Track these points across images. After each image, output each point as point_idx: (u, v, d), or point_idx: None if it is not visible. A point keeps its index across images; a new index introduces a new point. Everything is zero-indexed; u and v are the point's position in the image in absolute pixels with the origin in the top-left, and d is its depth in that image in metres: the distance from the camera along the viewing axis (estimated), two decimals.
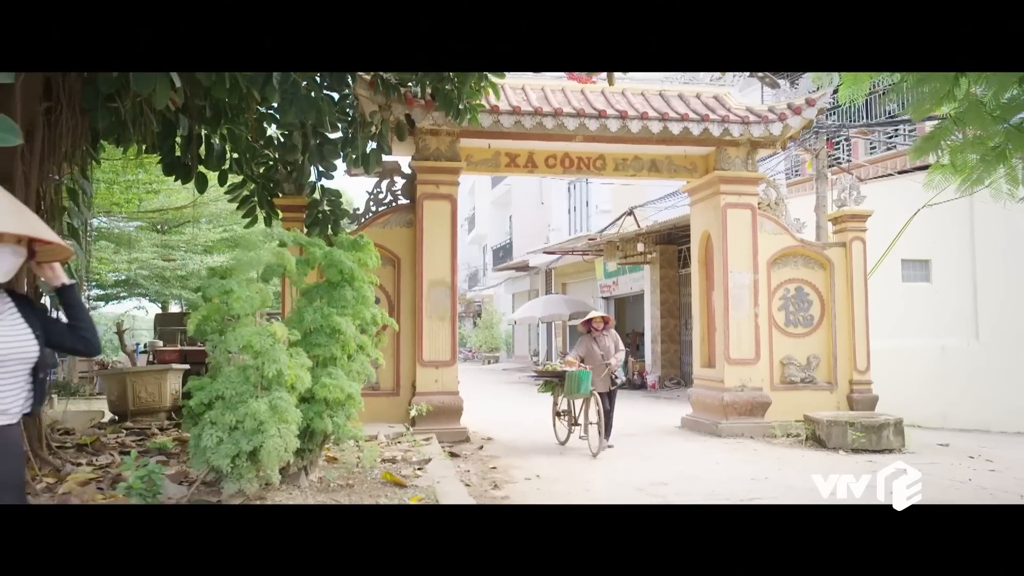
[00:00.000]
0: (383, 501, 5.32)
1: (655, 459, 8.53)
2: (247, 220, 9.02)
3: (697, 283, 11.58)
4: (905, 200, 12.24)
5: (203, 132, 7.44)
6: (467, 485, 6.71)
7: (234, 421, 4.64)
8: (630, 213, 19.20)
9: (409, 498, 5.37)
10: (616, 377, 9.14)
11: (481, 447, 9.29)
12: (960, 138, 6.32)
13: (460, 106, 7.70)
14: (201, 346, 12.10)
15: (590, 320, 9.51)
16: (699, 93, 11.05)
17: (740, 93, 11.51)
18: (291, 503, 5.08)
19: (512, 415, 12.98)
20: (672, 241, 19.13)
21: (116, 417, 9.45)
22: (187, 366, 10.22)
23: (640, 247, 18.05)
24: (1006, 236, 13.07)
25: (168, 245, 17.56)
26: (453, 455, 8.36)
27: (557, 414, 9.71)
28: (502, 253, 34.69)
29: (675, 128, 10.03)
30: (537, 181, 28.64)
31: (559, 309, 24.17)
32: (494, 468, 7.92)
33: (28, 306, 2.71)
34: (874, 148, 16.19)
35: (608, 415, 8.99)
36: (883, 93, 12.75)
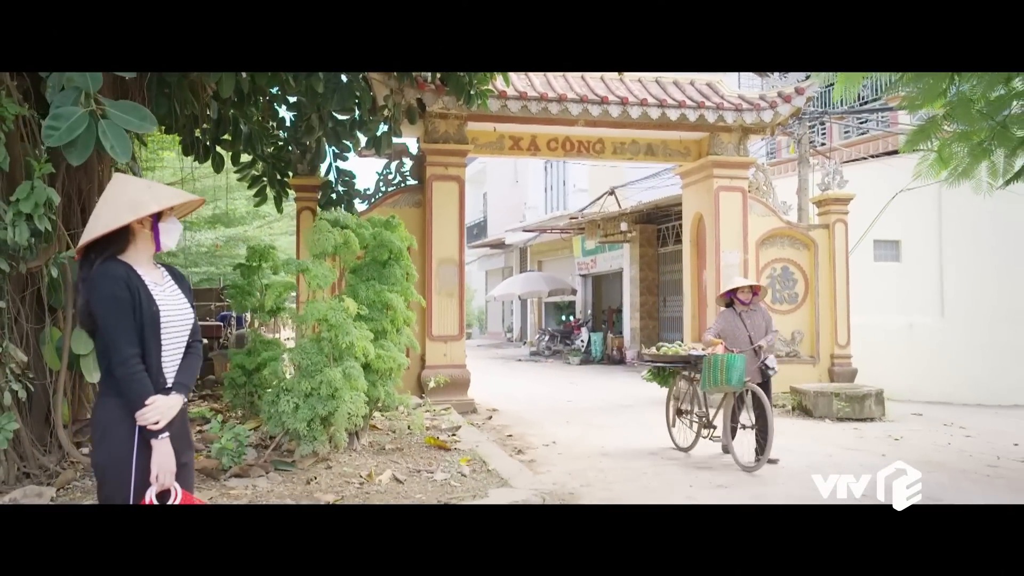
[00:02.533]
0: (434, 463, 5.80)
1: (656, 427, 8.97)
2: (257, 199, 9.42)
3: (688, 262, 12.14)
4: (877, 183, 12.95)
5: (230, 115, 7.78)
6: None
7: (309, 388, 5.06)
8: (611, 193, 19.72)
9: (459, 459, 5.86)
10: (768, 366, 7.20)
11: (490, 417, 9.79)
12: (950, 131, 6.91)
13: (471, 92, 8.10)
14: (210, 321, 12.41)
15: (734, 290, 7.36)
16: (693, 80, 11.54)
17: (720, 75, 12.01)
18: (354, 463, 5.53)
19: (506, 388, 13.51)
20: (651, 220, 19.69)
21: None
22: (204, 340, 10.49)
23: (623, 226, 18.59)
24: (972, 219, 13.81)
25: None
26: (471, 424, 8.84)
27: (678, 412, 7.68)
28: (476, 231, 35.01)
29: (673, 114, 10.52)
30: (512, 160, 28.92)
31: (538, 286, 24.75)
32: (510, 436, 8.43)
33: (181, 280, 2.94)
34: (848, 132, 16.90)
35: (767, 416, 6.53)
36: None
